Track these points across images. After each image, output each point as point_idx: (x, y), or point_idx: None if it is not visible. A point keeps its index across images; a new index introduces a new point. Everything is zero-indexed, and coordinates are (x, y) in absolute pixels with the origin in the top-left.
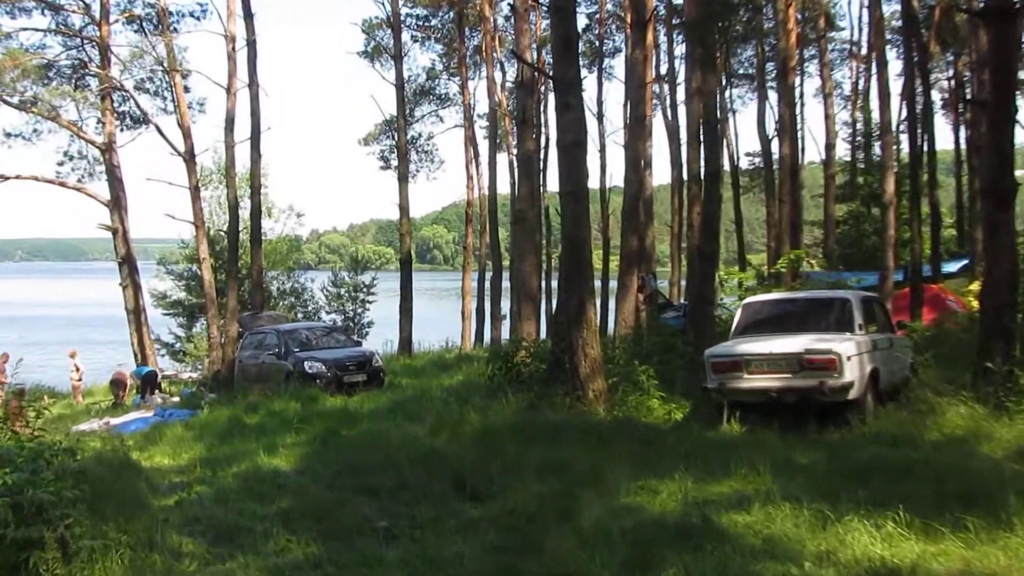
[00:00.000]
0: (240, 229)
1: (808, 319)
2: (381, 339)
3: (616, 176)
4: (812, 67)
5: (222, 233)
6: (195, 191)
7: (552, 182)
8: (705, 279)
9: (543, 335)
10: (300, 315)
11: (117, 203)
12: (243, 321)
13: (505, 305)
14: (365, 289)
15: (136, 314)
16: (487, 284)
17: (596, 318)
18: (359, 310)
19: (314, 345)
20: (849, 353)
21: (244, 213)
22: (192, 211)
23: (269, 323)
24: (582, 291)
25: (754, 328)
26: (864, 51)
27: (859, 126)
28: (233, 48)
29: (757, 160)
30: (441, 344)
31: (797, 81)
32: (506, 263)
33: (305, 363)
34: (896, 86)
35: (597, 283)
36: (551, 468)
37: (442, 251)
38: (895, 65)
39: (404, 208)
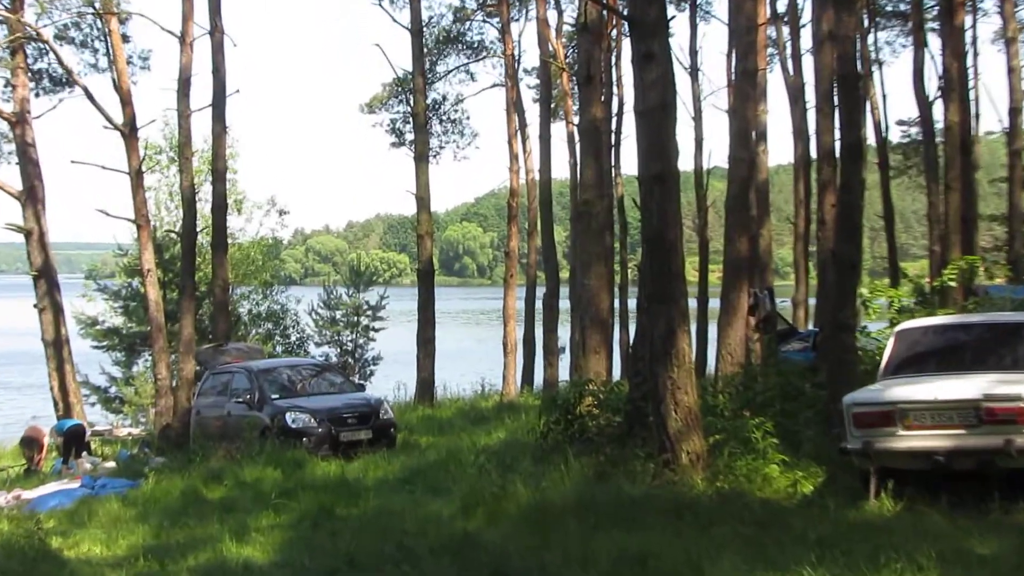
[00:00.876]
0: (199, 229)
1: (988, 353)
2: (392, 380)
3: (718, 154)
4: (989, 1)
5: (174, 235)
6: (137, 177)
7: (628, 162)
8: (843, 297)
9: (616, 375)
10: (280, 348)
11: (31, 195)
12: (202, 356)
13: (563, 333)
14: (370, 312)
15: (57, 347)
16: (538, 304)
17: (691, 351)
18: (361, 341)
19: (300, 390)
20: None
21: (205, 207)
22: (133, 205)
23: (238, 359)
24: (671, 313)
25: (913, 365)
26: None
27: None
28: None
29: (913, 131)
30: (475, 387)
31: (968, 20)
32: (564, 275)
33: (287, 415)
34: None
35: (692, 302)
36: (629, 562)
37: (475, 258)
38: None
39: (423, 199)
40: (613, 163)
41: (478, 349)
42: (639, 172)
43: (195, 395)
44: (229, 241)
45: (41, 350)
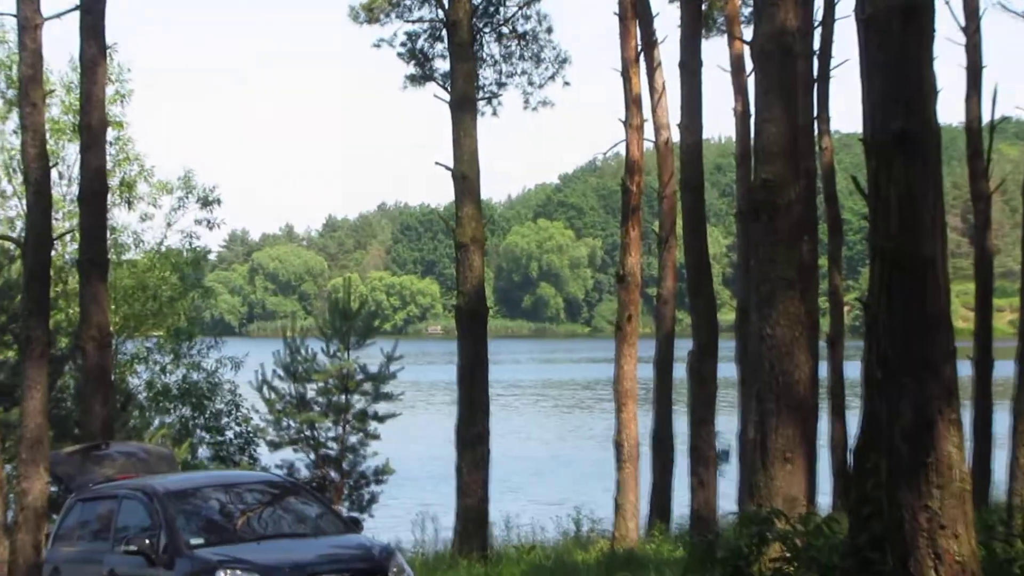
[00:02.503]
0: (57, 235)
1: None
2: (410, 510)
3: (1011, 95)
4: None
5: (9, 247)
6: None
7: (845, 114)
8: None
9: (824, 500)
10: (206, 453)
11: None
12: (63, 468)
13: (725, 425)
14: (369, 385)
15: None
16: (679, 372)
17: (963, 458)
18: (355, 438)
19: (241, 530)
20: None
21: (69, 195)
22: None
23: (127, 473)
24: (926, 391)
25: None
26: None
27: None
28: None
29: None
30: (564, 524)
31: None
32: (726, 316)
33: (220, 574)
34: None
35: (962, 367)
36: None
37: (562, 286)
38: None
39: (467, 179)
40: (816, 113)
41: (568, 454)
42: (865, 130)
43: (49, 540)
44: (114, 257)
45: None
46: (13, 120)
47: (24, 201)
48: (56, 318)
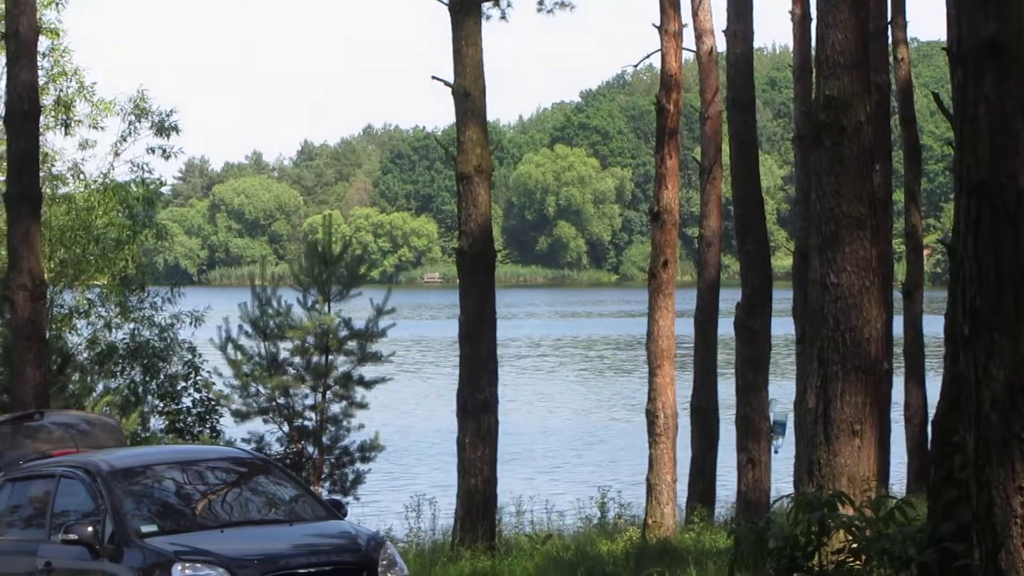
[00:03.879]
0: None
1: None
2: (404, 492)
3: None
4: None
5: None
6: None
7: (924, 18)
8: None
9: (898, 481)
10: (160, 425)
11: None
12: None
13: (779, 391)
14: (354, 343)
15: None
16: (725, 328)
17: None
18: (337, 407)
19: (201, 515)
20: None
21: None
22: None
23: (65, 448)
24: (1023, 348)
25: None
26: None
27: None
28: None
29: None
30: (586, 508)
31: None
32: (782, 262)
33: (175, 568)
34: None
35: None
36: None
37: (583, 225)
38: None
39: (470, 95)
40: (891, 17)
41: (591, 427)
42: (950, 37)
43: None
44: (48, 191)
45: None
46: None
47: None
48: None
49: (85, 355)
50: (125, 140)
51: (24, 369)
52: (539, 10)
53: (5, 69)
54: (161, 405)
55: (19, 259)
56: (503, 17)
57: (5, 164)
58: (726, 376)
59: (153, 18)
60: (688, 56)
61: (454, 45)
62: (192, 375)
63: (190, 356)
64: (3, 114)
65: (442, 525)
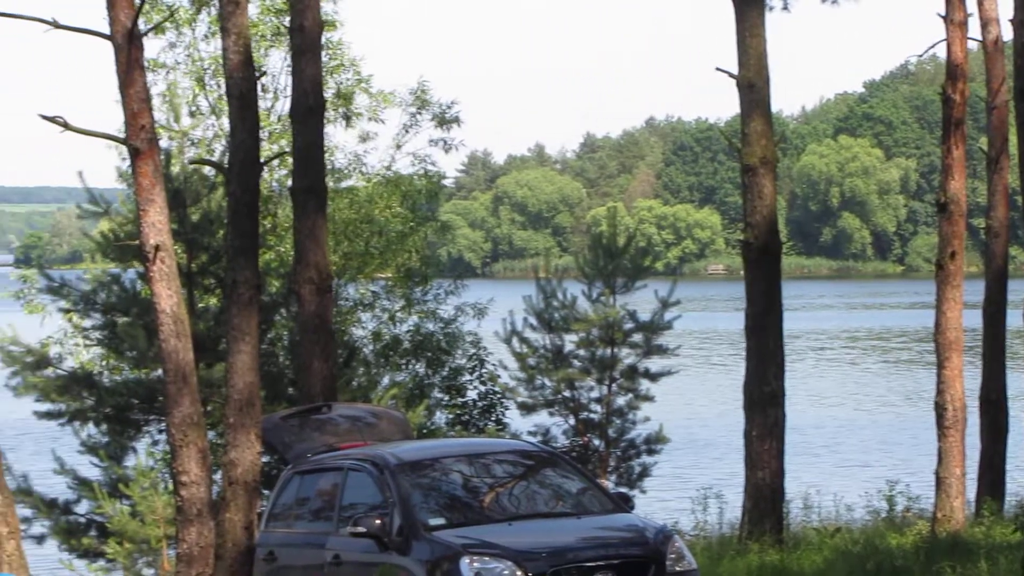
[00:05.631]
0: (266, 160)
1: None
2: (687, 484)
3: None
4: None
5: (209, 172)
6: (129, 45)
7: None
8: None
9: None
10: (445, 418)
11: None
12: (276, 435)
13: None
14: (640, 336)
15: None
16: (1013, 317)
17: None
18: (623, 400)
19: (488, 508)
20: None
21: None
22: (122, 104)
23: (353, 441)
24: None
25: None
26: None
27: None
28: None
29: None
30: (873, 501)
31: None
32: None
33: (463, 562)
34: None
35: None
36: None
37: (868, 216)
38: None
39: (754, 86)
40: None
41: (878, 419)
42: None
43: (263, 519)
44: (331, 184)
45: None
46: (204, 25)
47: (222, 119)
48: (265, 257)
49: (370, 348)
50: (407, 132)
51: (311, 362)
52: (823, 0)
53: (289, 64)
54: (445, 398)
55: (305, 253)
56: (785, 8)
57: (292, 158)
58: (1015, 368)
59: (429, 10)
60: (973, 45)
61: (738, 36)
62: (476, 368)
63: (474, 349)
64: (289, 109)
65: (729, 519)
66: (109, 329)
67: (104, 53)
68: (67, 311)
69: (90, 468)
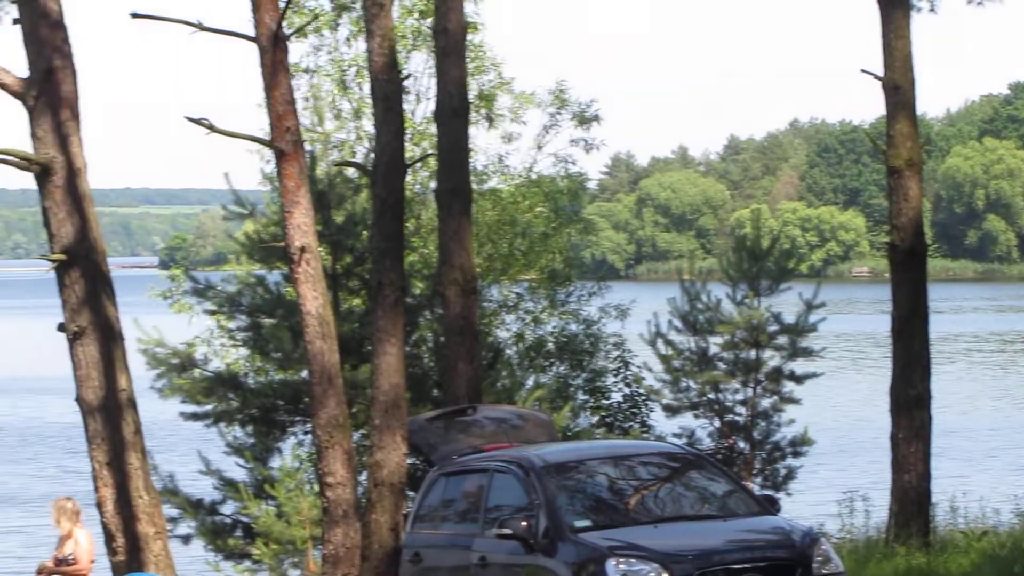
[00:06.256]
0: (411, 162)
1: None
2: (832, 488)
3: None
4: None
5: (352, 175)
6: (273, 47)
7: None
8: None
9: None
10: (589, 420)
11: (49, 89)
12: (422, 437)
13: None
14: (785, 338)
15: (108, 416)
16: None
17: None
18: (767, 402)
19: (634, 510)
20: None
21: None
22: (266, 107)
23: (499, 443)
24: None
25: None
26: None
27: None
28: None
29: None
30: (1023, 499)
31: None
32: None
33: (609, 564)
34: None
35: None
36: None
37: (1014, 220)
38: None
39: (899, 88)
40: None
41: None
42: None
43: (408, 520)
44: (474, 185)
45: (74, 419)
46: (347, 28)
47: (363, 122)
48: (409, 259)
49: (514, 350)
50: (547, 132)
51: (456, 364)
52: (968, 1)
53: (431, 66)
54: (589, 400)
55: (450, 255)
56: (932, 9)
57: (436, 160)
58: None
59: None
60: None
61: (883, 39)
62: (620, 370)
63: (618, 351)
64: (433, 111)
65: (875, 522)
66: (254, 331)
67: (247, 57)
68: (213, 312)
69: (236, 469)
